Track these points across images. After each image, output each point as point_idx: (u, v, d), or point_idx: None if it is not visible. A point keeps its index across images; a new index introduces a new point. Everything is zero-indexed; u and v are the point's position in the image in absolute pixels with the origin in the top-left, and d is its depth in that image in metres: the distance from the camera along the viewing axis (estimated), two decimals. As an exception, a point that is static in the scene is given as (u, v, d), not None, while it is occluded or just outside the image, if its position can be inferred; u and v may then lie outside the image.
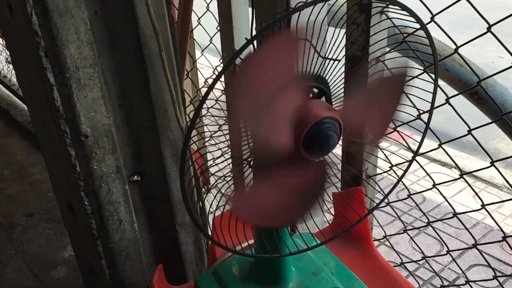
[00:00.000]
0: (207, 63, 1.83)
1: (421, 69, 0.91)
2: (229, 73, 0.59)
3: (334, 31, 0.70)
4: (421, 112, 0.94)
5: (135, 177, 1.09)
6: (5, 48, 3.08)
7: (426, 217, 1.18)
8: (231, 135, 0.69)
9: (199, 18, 1.53)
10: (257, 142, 0.68)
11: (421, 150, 0.82)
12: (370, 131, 0.75)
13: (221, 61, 1.45)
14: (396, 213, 1.33)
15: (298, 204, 0.71)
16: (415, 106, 0.91)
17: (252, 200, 0.69)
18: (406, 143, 1.01)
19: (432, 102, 0.77)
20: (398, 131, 0.97)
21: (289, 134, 0.64)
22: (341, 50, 0.69)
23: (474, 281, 1.19)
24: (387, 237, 1.31)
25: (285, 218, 0.73)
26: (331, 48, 0.68)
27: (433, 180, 1.10)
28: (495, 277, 1.05)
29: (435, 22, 0.89)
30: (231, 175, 0.74)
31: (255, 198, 0.69)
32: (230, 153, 0.72)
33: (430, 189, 1.14)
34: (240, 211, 0.69)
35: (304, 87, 0.66)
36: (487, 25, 0.84)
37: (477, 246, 1.06)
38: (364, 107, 0.71)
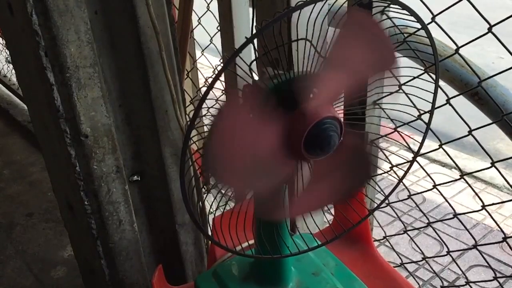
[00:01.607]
0: (207, 63, 1.83)
1: (422, 69, 0.91)
2: (229, 73, 0.59)
3: (335, 30, 0.70)
4: (421, 112, 0.94)
5: (135, 177, 1.09)
6: (5, 48, 3.08)
7: (426, 217, 1.17)
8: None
9: (199, 18, 1.53)
10: (262, 190, 0.69)
11: (422, 151, 0.82)
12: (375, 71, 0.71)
13: (221, 61, 1.45)
14: (396, 214, 1.33)
15: (347, 177, 0.71)
16: (415, 106, 0.91)
17: (302, 202, 0.70)
18: (407, 143, 1.01)
19: (433, 103, 0.76)
20: (398, 132, 0.97)
21: (288, 156, 0.64)
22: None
23: (474, 282, 1.19)
24: (387, 237, 1.30)
25: (342, 193, 0.73)
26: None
27: (433, 181, 1.10)
28: (495, 278, 1.05)
29: (436, 22, 0.89)
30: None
31: (304, 198, 0.70)
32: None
33: (431, 189, 1.14)
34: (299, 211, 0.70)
35: (272, 108, 0.64)
36: (487, 25, 0.83)
37: (477, 247, 1.06)
38: (340, 61, 0.64)
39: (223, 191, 0.69)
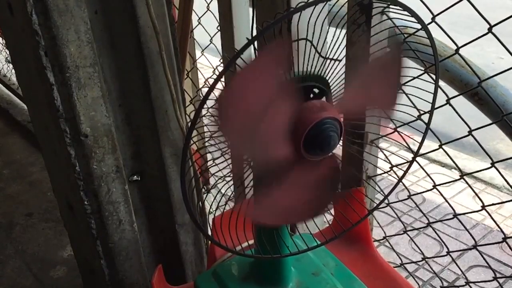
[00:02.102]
0: (207, 63, 1.83)
1: (422, 70, 0.91)
2: (230, 73, 0.59)
3: (335, 31, 0.70)
4: (421, 112, 0.94)
5: (135, 177, 1.09)
6: (5, 48, 3.08)
7: (426, 217, 1.17)
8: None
9: (199, 18, 1.53)
10: (256, 161, 0.68)
11: (421, 151, 0.82)
12: (377, 107, 0.74)
13: (221, 61, 1.45)
14: (396, 214, 1.33)
15: (317, 199, 0.70)
16: (415, 107, 0.91)
17: (267, 204, 0.69)
18: (407, 143, 1.01)
19: (433, 103, 0.76)
20: (398, 132, 0.97)
21: (287, 144, 0.63)
22: (342, 50, 0.69)
23: (474, 282, 1.19)
24: (387, 237, 1.30)
25: (307, 213, 0.73)
26: (332, 48, 0.68)
27: (433, 181, 1.10)
28: (495, 278, 1.05)
29: (436, 23, 0.89)
30: (231, 175, 0.74)
31: (270, 201, 0.69)
32: (230, 153, 0.72)
33: (430, 189, 1.14)
34: (255, 216, 0.69)
35: (295, 91, 0.65)
36: (487, 26, 0.83)
37: (477, 247, 1.06)
38: (362, 89, 0.70)
39: (219, 142, 0.67)
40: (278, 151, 0.63)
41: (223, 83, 0.61)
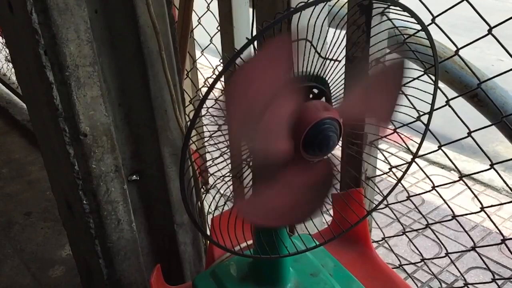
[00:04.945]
0: (207, 63, 1.83)
1: (421, 71, 0.91)
2: (229, 73, 0.59)
3: (335, 31, 0.70)
4: (421, 113, 0.94)
5: (134, 176, 1.09)
6: (4, 46, 3.08)
7: (425, 219, 1.17)
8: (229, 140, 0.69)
9: (199, 18, 1.53)
10: (254, 152, 0.68)
11: (421, 152, 0.82)
12: (375, 117, 0.74)
13: (221, 61, 1.45)
14: (395, 215, 1.33)
15: (306, 203, 0.70)
16: (415, 108, 0.91)
17: (257, 203, 0.69)
18: (406, 144, 1.01)
19: (432, 104, 0.76)
20: (398, 133, 0.97)
21: (287, 140, 0.63)
22: (342, 51, 0.69)
23: (472, 284, 1.19)
24: (386, 239, 1.30)
25: (295, 217, 0.73)
26: (332, 49, 0.68)
27: (432, 182, 1.10)
28: (493, 280, 1.05)
29: (436, 24, 0.89)
30: (230, 175, 0.74)
31: (261, 200, 0.69)
32: (229, 153, 0.72)
33: (429, 191, 1.14)
34: (246, 214, 0.69)
35: (298, 90, 0.66)
36: (487, 28, 0.83)
37: (476, 249, 1.06)
38: (363, 97, 0.71)
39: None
40: (278, 145, 0.63)
41: (223, 83, 0.61)
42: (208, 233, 1.05)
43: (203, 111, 0.62)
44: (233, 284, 0.89)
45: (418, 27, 0.68)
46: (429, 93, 0.76)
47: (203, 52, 1.63)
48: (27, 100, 1.18)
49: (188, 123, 1.13)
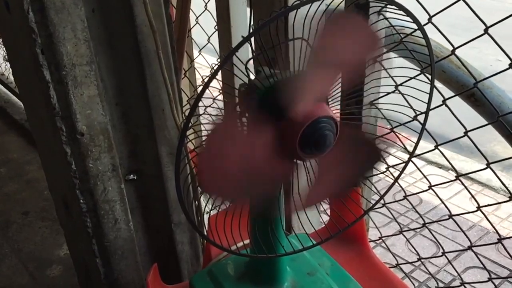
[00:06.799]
0: (205, 62, 1.83)
1: (418, 70, 0.91)
2: (225, 72, 0.59)
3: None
4: (417, 113, 0.94)
5: (131, 175, 1.09)
6: (2, 46, 3.07)
7: (422, 218, 1.18)
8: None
9: (197, 17, 1.53)
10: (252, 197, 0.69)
11: (418, 152, 0.82)
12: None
13: (219, 60, 1.45)
14: (392, 215, 1.33)
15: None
16: (411, 107, 0.91)
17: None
18: (403, 144, 1.01)
19: (429, 103, 0.77)
20: (394, 132, 0.97)
21: (280, 155, 0.64)
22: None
23: (469, 283, 1.19)
24: (383, 238, 1.30)
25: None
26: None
27: (429, 182, 1.10)
28: (490, 279, 1.05)
29: (433, 23, 0.89)
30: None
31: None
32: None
33: (426, 190, 1.14)
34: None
35: (262, 117, 0.64)
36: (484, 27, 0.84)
37: (473, 248, 1.06)
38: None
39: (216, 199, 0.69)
40: (278, 172, 0.64)
41: (220, 82, 0.61)
42: (205, 232, 1.05)
43: (201, 110, 0.62)
44: (230, 283, 0.89)
45: (415, 26, 0.68)
46: (426, 93, 0.76)
47: (200, 51, 1.63)
48: (24, 99, 1.18)
49: (184, 122, 1.13)
